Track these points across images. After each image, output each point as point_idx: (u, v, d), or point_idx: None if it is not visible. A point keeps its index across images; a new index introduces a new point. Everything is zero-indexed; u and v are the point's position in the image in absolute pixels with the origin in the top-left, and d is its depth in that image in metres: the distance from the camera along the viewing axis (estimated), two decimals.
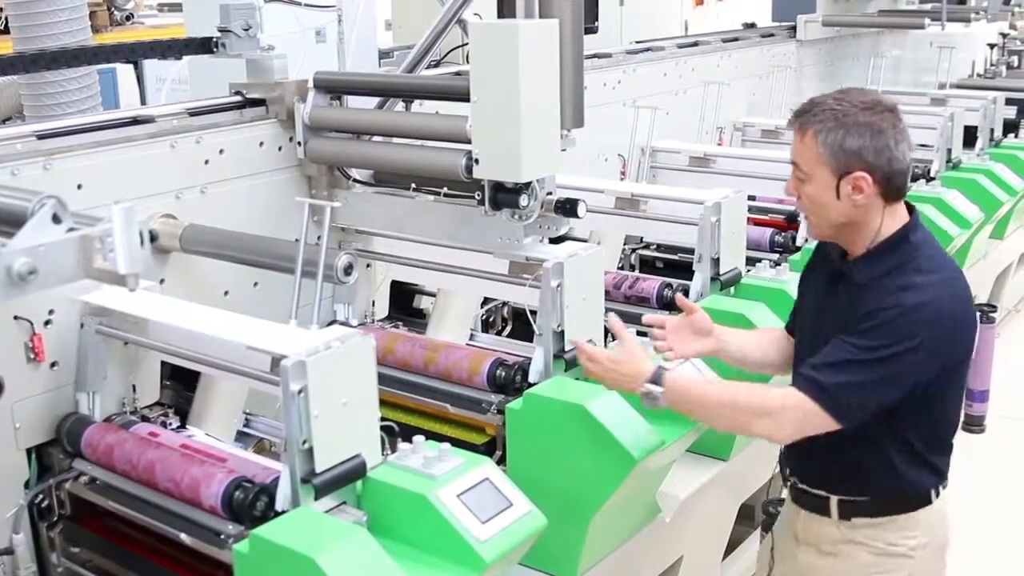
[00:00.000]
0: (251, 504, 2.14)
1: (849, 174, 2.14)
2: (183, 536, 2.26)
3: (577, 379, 2.71)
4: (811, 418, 2.14)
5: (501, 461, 2.62)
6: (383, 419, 2.22)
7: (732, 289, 3.39)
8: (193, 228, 2.75)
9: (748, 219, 3.57)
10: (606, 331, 2.94)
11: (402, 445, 2.20)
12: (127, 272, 1.67)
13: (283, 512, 2.06)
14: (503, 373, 2.79)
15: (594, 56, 4.50)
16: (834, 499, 2.31)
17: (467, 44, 3.51)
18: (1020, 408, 5.23)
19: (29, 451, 2.52)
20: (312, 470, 2.04)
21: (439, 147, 2.86)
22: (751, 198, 3.56)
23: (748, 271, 3.51)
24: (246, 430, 2.71)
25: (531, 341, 2.81)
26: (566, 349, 2.71)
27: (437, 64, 4.09)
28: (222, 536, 2.19)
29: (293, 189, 3.11)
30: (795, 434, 2.20)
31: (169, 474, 2.27)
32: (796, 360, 2.35)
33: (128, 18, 8.99)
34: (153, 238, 2.71)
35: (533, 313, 2.78)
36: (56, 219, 1.68)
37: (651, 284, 3.60)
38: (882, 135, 2.13)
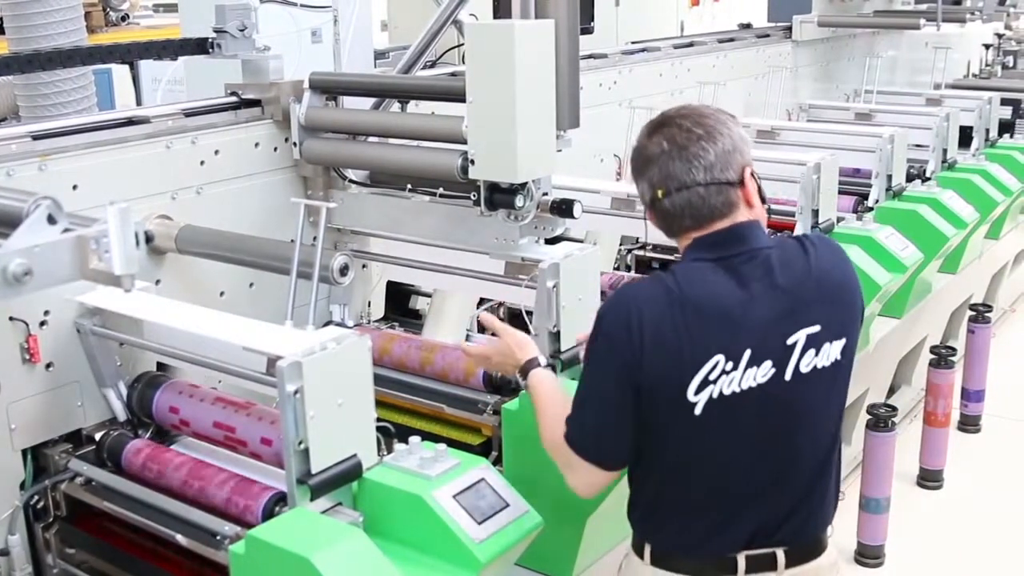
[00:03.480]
0: None
1: None
2: (179, 537, 2.26)
3: (573, 379, 2.71)
4: (574, 463, 2.04)
5: (497, 462, 2.62)
6: (379, 420, 2.22)
7: None
8: (189, 229, 2.75)
9: None
10: None
11: (398, 446, 2.20)
12: (123, 273, 1.67)
13: None
14: (499, 374, 2.79)
15: (590, 56, 4.50)
16: None
17: (463, 45, 3.51)
18: (1016, 408, 5.24)
19: (25, 452, 2.52)
20: (308, 471, 2.04)
21: (435, 148, 2.86)
22: None
23: None
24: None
25: None
26: (562, 350, 2.71)
27: (433, 65, 4.10)
28: (218, 537, 2.19)
29: (289, 190, 3.11)
30: (583, 488, 2.06)
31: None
32: None
33: (124, 18, 8.98)
34: (149, 239, 2.71)
35: (529, 314, 2.78)
36: (51, 220, 1.68)
37: None
38: (632, 166, 2.08)
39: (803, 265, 1.99)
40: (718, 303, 1.93)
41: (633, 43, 5.31)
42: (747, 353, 1.92)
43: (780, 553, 2.03)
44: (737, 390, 1.92)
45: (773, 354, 1.94)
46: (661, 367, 1.91)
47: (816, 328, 1.96)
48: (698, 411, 1.92)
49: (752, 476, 2.00)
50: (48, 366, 2.53)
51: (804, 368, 1.96)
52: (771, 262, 1.97)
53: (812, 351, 1.96)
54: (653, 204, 2.03)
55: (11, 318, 2.45)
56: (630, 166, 2.09)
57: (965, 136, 5.84)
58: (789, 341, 1.94)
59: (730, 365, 1.91)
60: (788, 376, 1.95)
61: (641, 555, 2.09)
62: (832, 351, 1.98)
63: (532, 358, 2.29)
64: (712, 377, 1.91)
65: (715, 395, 1.92)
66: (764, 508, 2.02)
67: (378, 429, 2.21)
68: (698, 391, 1.91)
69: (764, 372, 1.93)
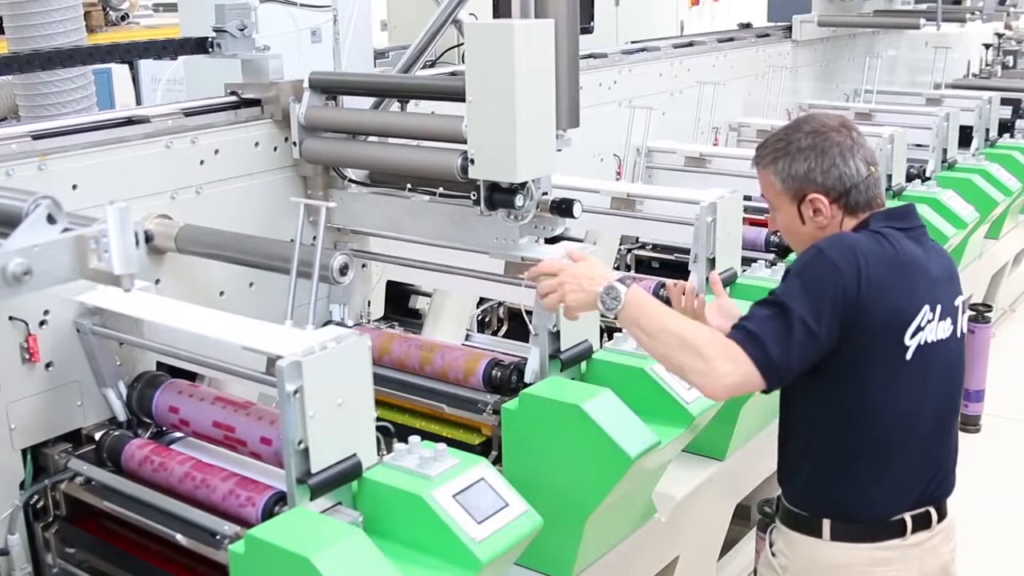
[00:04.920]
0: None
1: (805, 198, 2.23)
2: (179, 537, 2.26)
3: (573, 379, 2.72)
4: (739, 360, 2.01)
5: (497, 461, 2.62)
6: (379, 419, 2.22)
7: (728, 289, 3.39)
8: (189, 228, 2.75)
9: (744, 219, 3.57)
10: (601, 332, 2.95)
11: (398, 445, 2.20)
12: (122, 273, 1.67)
13: None
14: (499, 373, 2.79)
15: (590, 56, 4.50)
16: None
17: (463, 44, 3.51)
18: (1015, 408, 5.24)
19: (25, 452, 2.52)
20: (308, 470, 2.04)
21: (435, 147, 2.86)
22: (747, 198, 3.56)
23: (744, 271, 3.52)
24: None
25: (527, 341, 2.81)
26: (562, 349, 2.71)
27: (432, 64, 4.10)
28: (217, 537, 2.19)
29: (289, 189, 3.11)
30: (731, 385, 2.03)
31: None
32: None
33: (123, 18, 8.96)
34: (148, 238, 2.71)
35: (529, 313, 2.78)
36: (51, 219, 1.67)
37: (647, 284, 3.60)
38: (826, 155, 2.21)
39: (940, 247, 2.30)
40: (919, 262, 2.17)
41: (633, 43, 5.31)
42: (939, 308, 2.17)
43: (933, 511, 2.22)
44: (933, 339, 2.15)
45: (950, 313, 2.20)
46: (882, 310, 2.08)
47: (964, 296, 2.26)
48: (908, 355, 2.11)
49: (930, 430, 2.20)
50: (48, 366, 2.53)
51: (963, 329, 2.25)
52: (929, 238, 2.27)
53: (965, 316, 2.27)
54: (867, 178, 2.22)
55: (11, 318, 2.45)
56: (828, 156, 2.21)
57: (965, 136, 5.84)
58: (956, 303, 2.22)
59: (931, 316, 2.15)
60: (958, 334, 2.23)
61: (819, 534, 2.20)
62: (966, 321, 2.28)
63: (620, 278, 2.21)
64: (922, 325, 2.13)
65: (922, 342, 2.13)
66: (932, 465, 2.22)
67: (378, 429, 2.21)
68: (913, 335, 2.12)
69: (946, 328, 2.18)
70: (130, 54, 3.84)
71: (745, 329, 2.06)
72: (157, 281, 2.78)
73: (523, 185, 2.64)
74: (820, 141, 2.21)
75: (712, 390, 2.06)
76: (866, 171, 2.22)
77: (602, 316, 2.16)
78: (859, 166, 2.22)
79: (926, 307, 2.13)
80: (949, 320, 2.19)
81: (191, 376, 2.64)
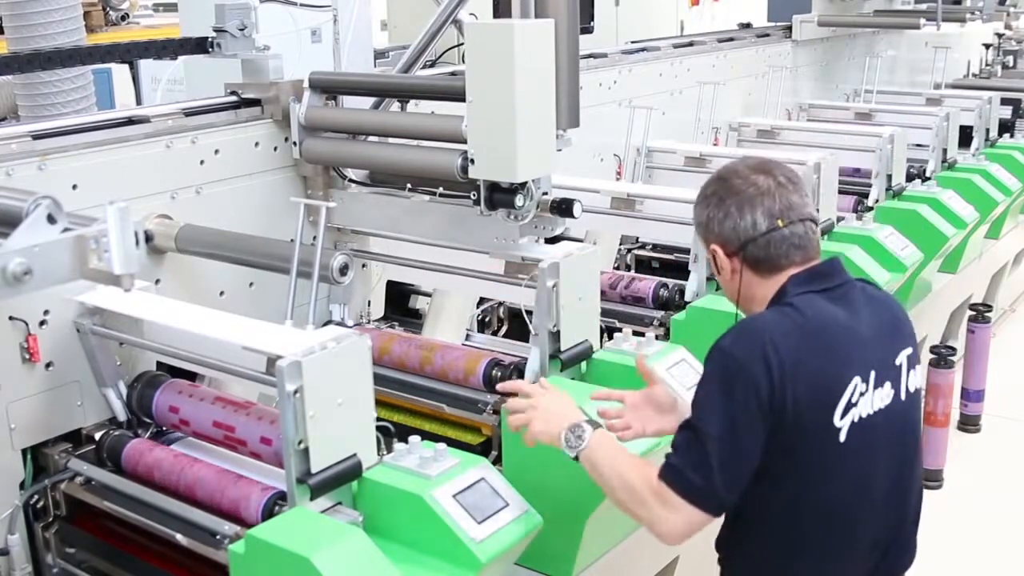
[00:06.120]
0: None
1: (708, 247, 2.09)
2: (179, 537, 2.26)
3: (572, 379, 2.71)
4: (675, 505, 1.90)
5: (497, 461, 2.62)
6: (379, 419, 2.22)
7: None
8: (189, 228, 2.75)
9: None
10: (601, 331, 2.95)
11: (398, 445, 2.20)
12: (122, 272, 1.67)
13: None
14: (499, 373, 2.79)
15: (590, 56, 4.50)
16: None
17: (463, 44, 3.51)
18: (1016, 408, 5.24)
19: (25, 452, 2.52)
20: (308, 470, 2.04)
21: (435, 147, 2.86)
22: None
23: None
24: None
25: (527, 341, 2.81)
26: (562, 349, 2.71)
27: (432, 64, 4.09)
28: (217, 536, 2.19)
29: (289, 189, 3.11)
30: (681, 531, 1.92)
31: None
32: None
33: (123, 18, 8.96)
34: (148, 238, 2.71)
35: (529, 313, 2.78)
36: (51, 219, 1.68)
37: (647, 284, 3.60)
38: (723, 203, 2.03)
39: (880, 297, 2.10)
40: (844, 328, 1.97)
41: (633, 43, 5.30)
42: (872, 374, 1.96)
43: None
44: (871, 411, 1.95)
45: (889, 375, 1.99)
46: (806, 396, 1.89)
47: (910, 350, 2.05)
48: (843, 437, 1.92)
49: (885, 504, 2.01)
50: (48, 366, 2.53)
51: (911, 388, 2.04)
52: (863, 292, 2.06)
53: (912, 372, 2.04)
54: (767, 233, 2.01)
55: (11, 318, 2.45)
56: (724, 205, 2.03)
57: (965, 136, 5.85)
58: (896, 362, 2.02)
59: (864, 387, 1.94)
60: (903, 396, 2.01)
61: None
62: (918, 375, 2.06)
63: (589, 419, 2.13)
64: (854, 400, 1.93)
65: (856, 419, 1.93)
66: (887, 541, 2.04)
67: (378, 428, 2.21)
68: (843, 415, 1.92)
69: (886, 393, 1.98)
70: (130, 54, 3.84)
71: (669, 464, 1.93)
72: (157, 281, 2.78)
73: (523, 185, 2.64)
74: (722, 188, 2.04)
75: (668, 539, 1.94)
76: (766, 225, 1.99)
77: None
78: (758, 219, 2.00)
79: (856, 379, 1.92)
80: (888, 385, 1.98)
81: (191, 376, 2.64)
